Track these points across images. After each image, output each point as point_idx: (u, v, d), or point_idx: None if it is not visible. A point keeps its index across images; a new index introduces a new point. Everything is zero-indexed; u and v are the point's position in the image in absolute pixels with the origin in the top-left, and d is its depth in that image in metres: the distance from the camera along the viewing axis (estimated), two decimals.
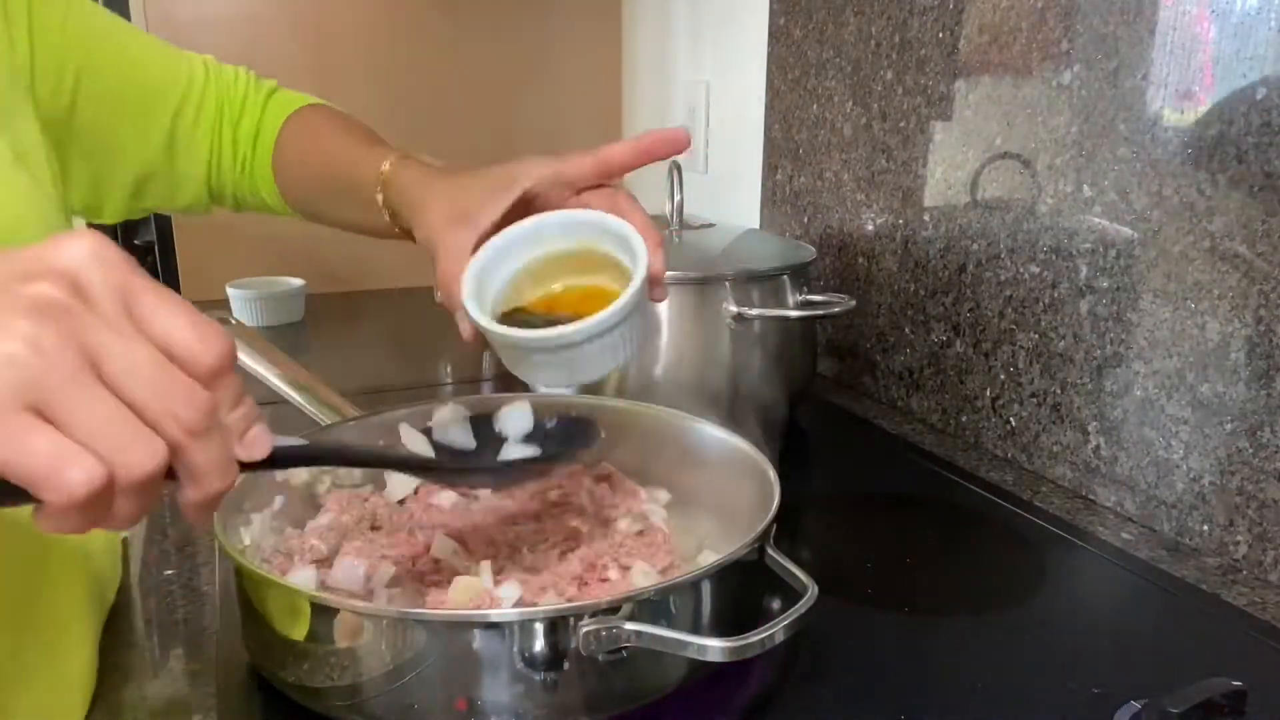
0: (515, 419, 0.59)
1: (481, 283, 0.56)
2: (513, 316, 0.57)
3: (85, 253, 0.32)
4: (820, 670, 0.58)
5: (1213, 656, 0.61)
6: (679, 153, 0.57)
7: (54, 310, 0.31)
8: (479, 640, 0.48)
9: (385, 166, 0.67)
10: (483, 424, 0.58)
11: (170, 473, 0.34)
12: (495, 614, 0.50)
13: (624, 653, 0.49)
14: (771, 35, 1.24)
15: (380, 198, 0.67)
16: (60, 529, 0.32)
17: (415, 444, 0.55)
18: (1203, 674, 0.51)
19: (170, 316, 0.33)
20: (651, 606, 0.50)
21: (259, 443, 0.37)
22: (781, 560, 0.55)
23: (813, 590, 0.51)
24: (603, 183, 0.59)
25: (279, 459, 0.39)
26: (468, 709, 0.49)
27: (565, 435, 0.58)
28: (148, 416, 0.32)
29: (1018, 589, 0.69)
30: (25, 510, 0.33)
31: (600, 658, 0.48)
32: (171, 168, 0.75)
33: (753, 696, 0.56)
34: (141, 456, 0.32)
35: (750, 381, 0.90)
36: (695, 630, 0.50)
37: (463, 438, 0.57)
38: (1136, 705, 0.51)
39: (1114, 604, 0.69)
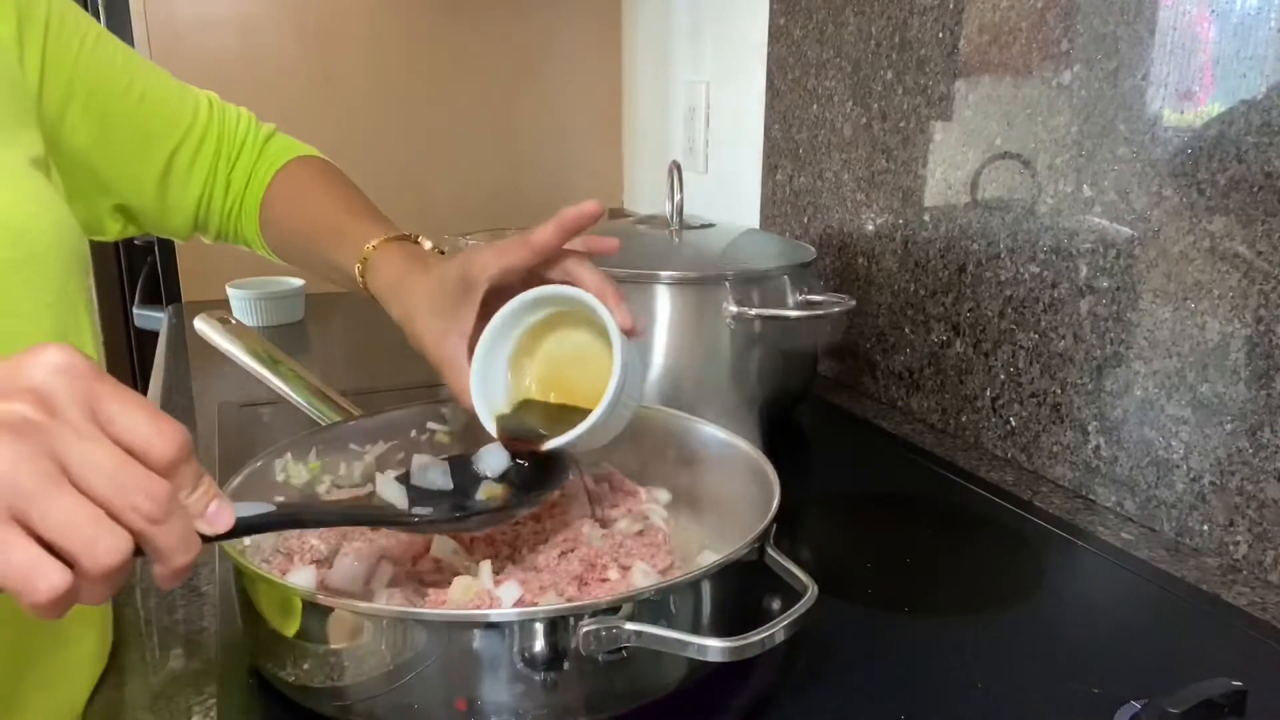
0: (492, 458, 0.59)
1: (487, 384, 0.61)
2: (525, 409, 0.61)
3: (51, 367, 0.36)
4: (820, 670, 0.58)
5: (1213, 656, 0.61)
6: (594, 223, 0.63)
7: (25, 427, 0.35)
8: (479, 640, 0.48)
9: (368, 250, 0.71)
10: (460, 465, 0.59)
11: (139, 550, 0.37)
12: (495, 614, 0.50)
13: (624, 653, 0.49)
14: (771, 35, 1.24)
15: (361, 279, 0.71)
16: (39, 617, 0.36)
17: (389, 492, 0.56)
18: (1203, 674, 0.51)
19: (131, 416, 0.37)
20: (651, 606, 0.50)
21: (220, 517, 0.41)
22: (781, 560, 0.55)
23: (813, 590, 0.51)
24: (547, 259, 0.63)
25: (242, 528, 0.43)
26: (468, 709, 0.49)
27: (539, 473, 0.59)
28: (113, 510, 0.36)
29: (1018, 589, 0.69)
30: None
31: (600, 658, 0.48)
32: (163, 201, 0.76)
33: (753, 696, 0.56)
34: (108, 549, 0.35)
35: (750, 381, 0.90)
36: (695, 630, 0.50)
37: (441, 479, 0.58)
38: (1136, 705, 0.51)
39: (1114, 604, 0.69)
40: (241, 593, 0.55)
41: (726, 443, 0.68)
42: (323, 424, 0.71)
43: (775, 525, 0.57)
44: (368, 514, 0.56)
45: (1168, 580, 0.70)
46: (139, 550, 0.37)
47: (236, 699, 0.56)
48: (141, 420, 0.37)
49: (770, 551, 0.56)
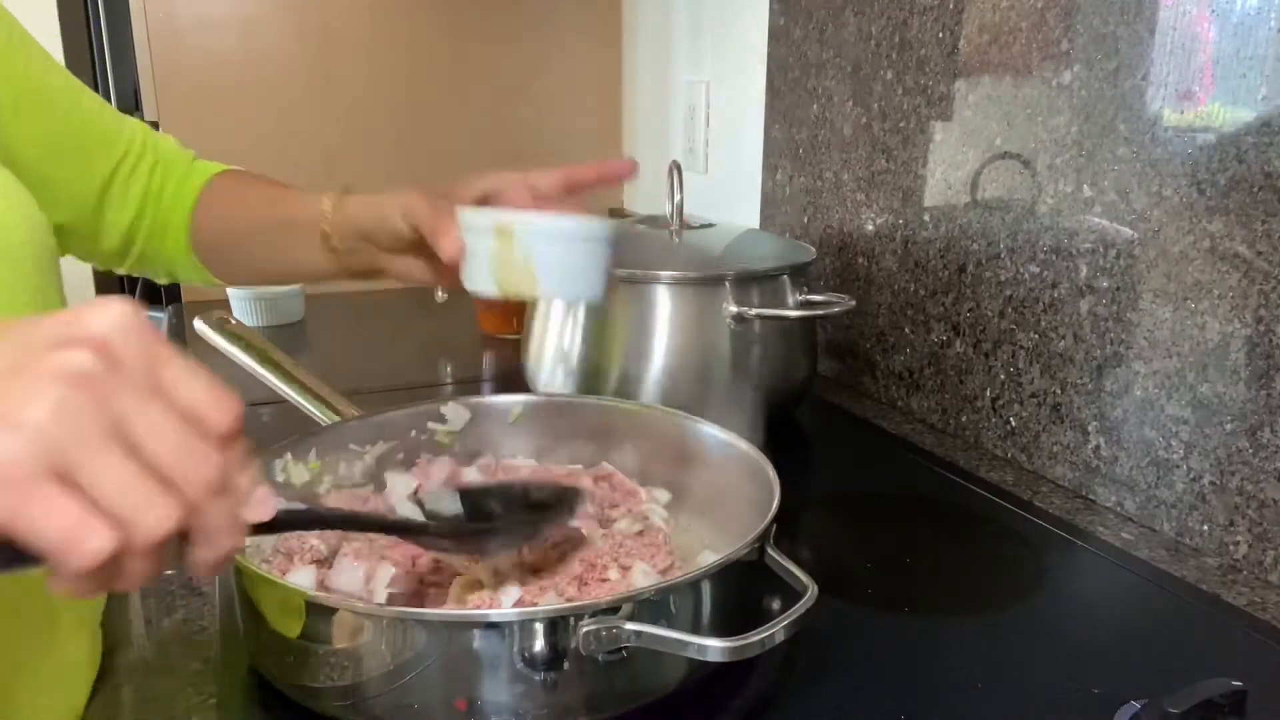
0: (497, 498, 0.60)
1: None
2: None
3: (116, 320, 0.34)
4: (820, 670, 0.58)
5: (1213, 656, 0.61)
6: (603, 181, 0.69)
7: (85, 378, 0.32)
8: (479, 641, 0.48)
9: (326, 204, 0.71)
10: (472, 496, 0.59)
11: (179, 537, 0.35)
12: (495, 614, 0.50)
13: (624, 653, 0.49)
14: (771, 35, 1.24)
15: (326, 231, 0.71)
16: (73, 594, 0.34)
17: (404, 509, 0.57)
18: (1203, 674, 0.51)
19: (191, 383, 0.35)
20: (652, 606, 0.50)
21: (265, 504, 0.39)
22: (781, 560, 0.55)
23: (813, 590, 0.51)
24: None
25: (280, 522, 0.41)
26: (468, 709, 0.49)
27: (553, 504, 0.59)
28: (169, 478, 0.34)
29: (1018, 589, 0.69)
30: None
31: (600, 658, 0.48)
32: (99, 220, 0.77)
33: (753, 696, 0.56)
34: (158, 518, 0.33)
35: (750, 382, 0.90)
36: (695, 630, 0.50)
37: (451, 505, 0.58)
38: (1136, 705, 0.51)
39: (1114, 604, 0.69)
40: (242, 592, 0.55)
41: (726, 442, 0.68)
42: (323, 424, 0.71)
43: (775, 525, 0.57)
44: (400, 524, 0.57)
45: (1168, 580, 0.70)
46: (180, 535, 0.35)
47: (236, 699, 0.56)
48: (203, 388, 0.35)
49: (770, 552, 0.56)
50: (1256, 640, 0.62)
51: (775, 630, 0.48)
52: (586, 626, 0.48)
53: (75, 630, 0.59)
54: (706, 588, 0.53)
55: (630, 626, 0.48)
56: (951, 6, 0.92)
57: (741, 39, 1.33)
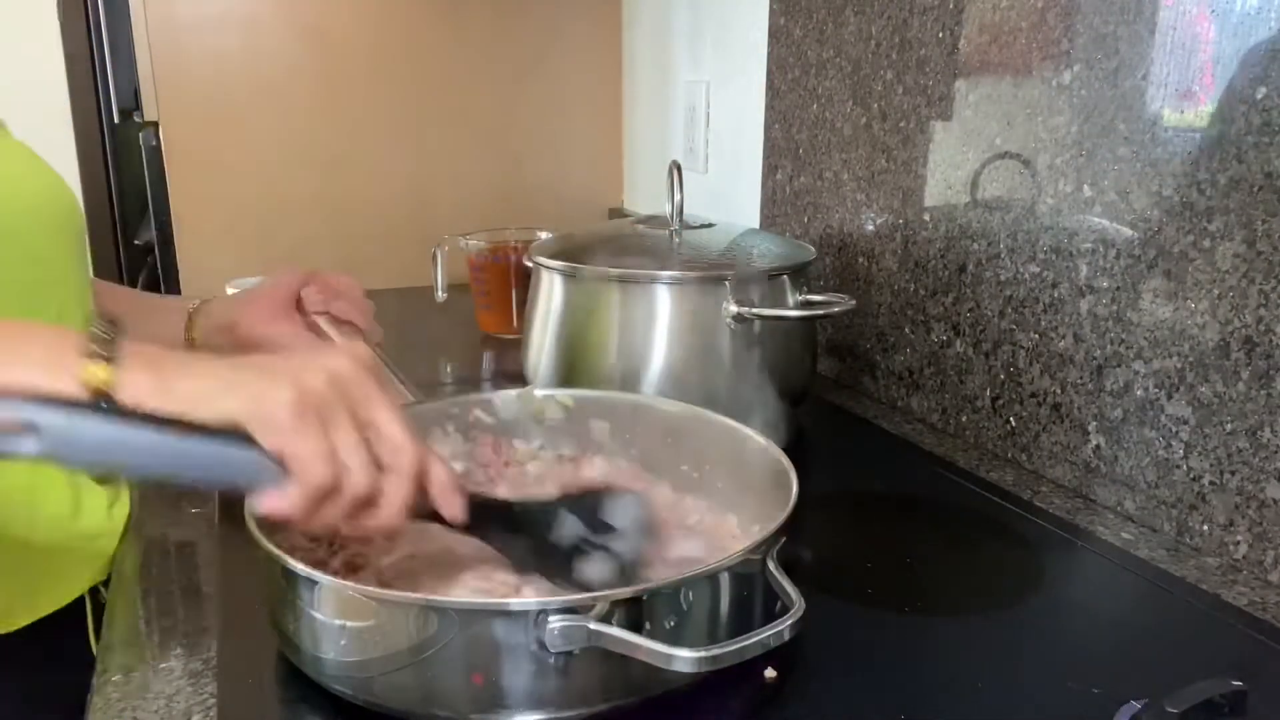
0: (623, 509, 0.61)
1: None
2: None
3: (352, 359, 0.52)
4: (820, 670, 0.58)
5: (1213, 656, 0.61)
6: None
7: (337, 379, 0.50)
8: (493, 626, 0.49)
9: (193, 304, 0.91)
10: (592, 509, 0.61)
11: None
12: (458, 603, 0.52)
13: (598, 651, 0.48)
14: (771, 35, 1.24)
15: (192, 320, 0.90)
16: (277, 513, 0.49)
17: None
18: (1203, 674, 0.51)
19: (392, 415, 0.52)
20: (631, 608, 0.49)
21: (456, 502, 0.54)
22: (776, 573, 0.54)
23: (799, 605, 0.51)
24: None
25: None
26: (483, 685, 0.49)
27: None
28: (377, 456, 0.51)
29: (1018, 589, 0.69)
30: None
31: (575, 652, 0.48)
32: None
33: (753, 696, 0.56)
34: (365, 477, 0.50)
35: (750, 381, 0.90)
36: (681, 634, 0.50)
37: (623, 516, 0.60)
38: (1136, 705, 0.51)
39: (1114, 604, 0.69)
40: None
41: (756, 445, 0.68)
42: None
43: (783, 538, 0.56)
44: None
45: (1168, 580, 0.70)
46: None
47: (236, 699, 0.56)
48: (399, 428, 0.51)
49: (769, 563, 0.55)
50: (1256, 640, 0.62)
51: (748, 643, 0.48)
52: (554, 623, 0.47)
53: (94, 501, 0.75)
54: (695, 593, 0.52)
55: (595, 627, 0.48)
56: (951, 6, 0.92)
57: (741, 39, 1.33)
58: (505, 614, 0.49)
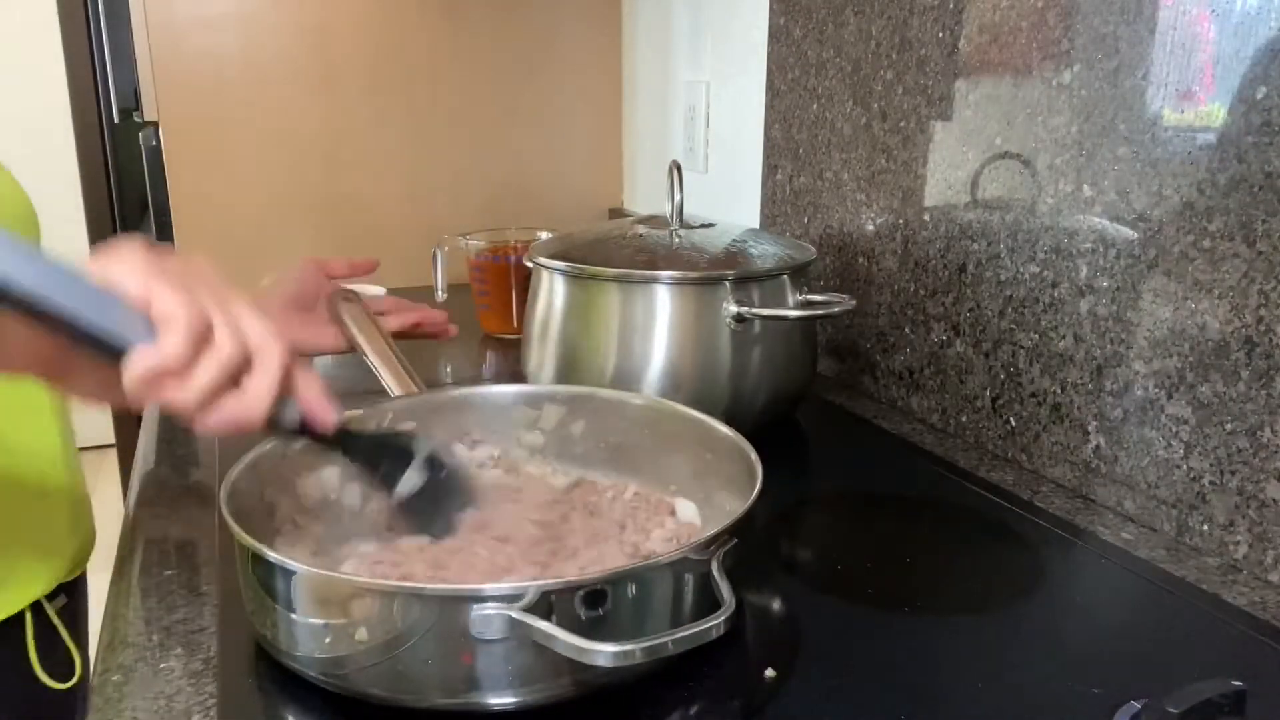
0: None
1: None
2: None
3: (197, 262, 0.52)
4: (820, 670, 0.58)
5: (1213, 656, 0.61)
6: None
7: (202, 276, 0.52)
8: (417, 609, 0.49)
9: None
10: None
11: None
12: (406, 586, 0.52)
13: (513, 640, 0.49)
14: (771, 35, 1.24)
15: None
16: (147, 368, 0.48)
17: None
18: (1203, 674, 0.51)
19: (257, 314, 0.51)
20: (565, 599, 0.49)
21: (329, 410, 0.54)
22: (715, 574, 0.53)
23: (730, 603, 0.50)
24: None
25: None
26: (471, 663, 0.50)
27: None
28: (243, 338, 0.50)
29: (1018, 589, 0.69)
30: None
31: (495, 640, 0.48)
32: None
33: (753, 696, 0.56)
34: (232, 346, 0.49)
35: (750, 381, 0.90)
36: (617, 631, 0.49)
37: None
38: (1136, 705, 0.51)
39: (1114, 604, 0.69)
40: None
41: (724, 437, 0.68)
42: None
43: (732, 540, 0.55)
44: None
45: (1168, 580, 0.70)
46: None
47: (236, 699, 0.56)
48: (259, 323, 0.51)
49: (714, 562, 0.54)
50: (1256, 640, 0.62)
51: (665, 641, 0.47)
52: (480, 610, 0.48)
53: (60, 503, 0.73)
54: (636, 587, 0.52)
55: (517, 617, 0.47)
56: (951, 6, 0.92)
57: (741, 39, 1.33)
58: (422, 598, 0.50)
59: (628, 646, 0.47)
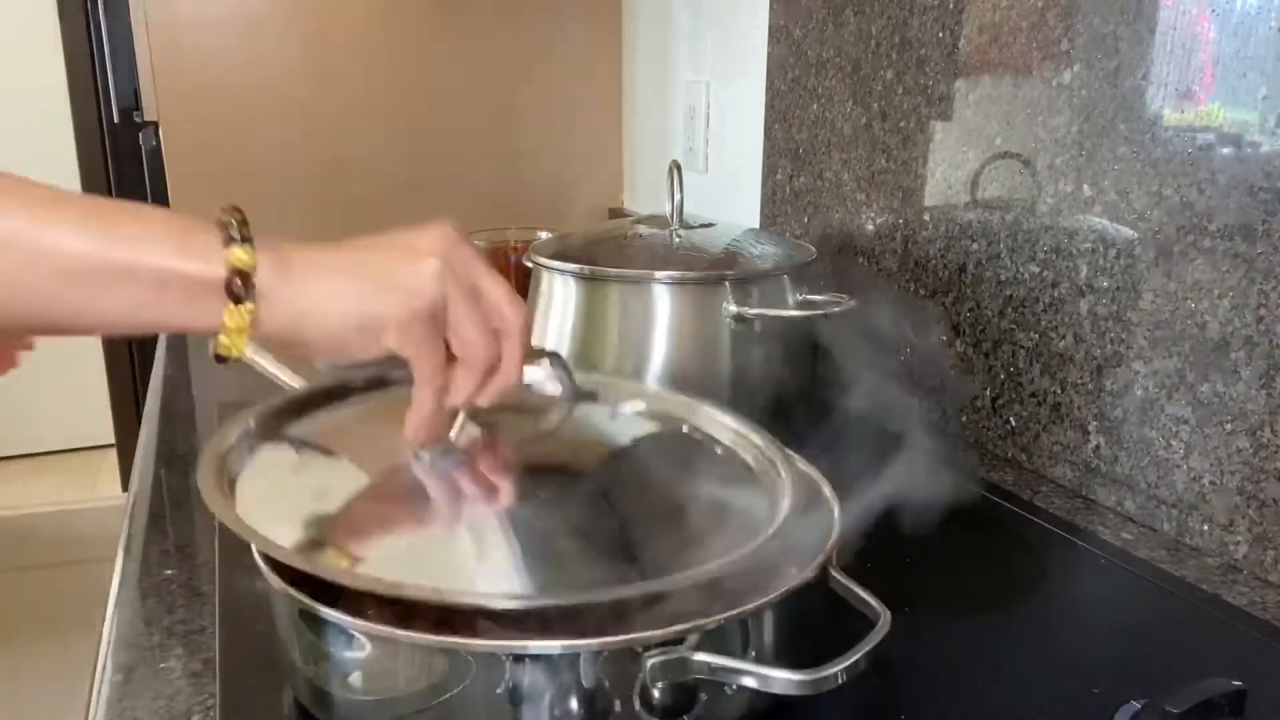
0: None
1: None
2: None
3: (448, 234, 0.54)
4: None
5: (1213, 656, 0.61)
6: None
7: (448, 259, 0.53)
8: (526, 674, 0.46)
9: None
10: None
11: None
12: (534, 646, 0.46)
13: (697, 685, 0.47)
14: (771, 35, 1.24)
15: None
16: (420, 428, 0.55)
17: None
18: (1203, 674, 0.51)
19: (495, 278, 0.55)
20: (715, 636, 0.48)
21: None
22: (847, 583, 0.54)
23: (885, 617, 0.50)
24: None
25: None
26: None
27: None
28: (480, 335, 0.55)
29: (1018, 589, 0.69)
30: None
31: (658, 691, 0.46)
32: None
33: (752, 697, 0.56)
34: (486, 351, 0.54)
35: (750, 381, 0.90)
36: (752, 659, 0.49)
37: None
38: (1136, 705, 0.51)
39: (1114, 604, 0.69)
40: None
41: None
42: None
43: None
44: None
45: (1168, 580, 0.70)
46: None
47: (236, 699, 0.56)
48: (505, 293, 0.55)
49: (835, 574, 0.55)
50: (1256, 640, 0.62)
51: (857, 658, 0.47)
52: (653, 658, 0.45)
53: None
54: (771, 616, 0.51)
55: (700, 658, 0.46)
56: (951, 6, 0.92)
57: (741, 39, 1.33)
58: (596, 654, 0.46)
59: (819, 674, 0.46)
